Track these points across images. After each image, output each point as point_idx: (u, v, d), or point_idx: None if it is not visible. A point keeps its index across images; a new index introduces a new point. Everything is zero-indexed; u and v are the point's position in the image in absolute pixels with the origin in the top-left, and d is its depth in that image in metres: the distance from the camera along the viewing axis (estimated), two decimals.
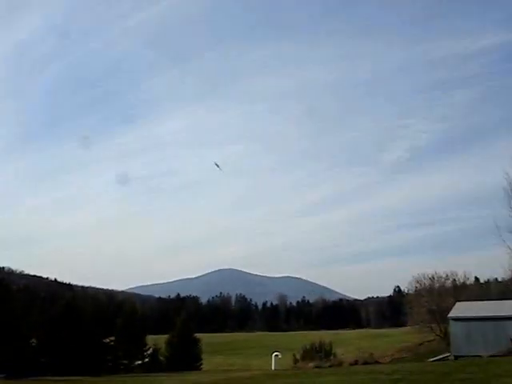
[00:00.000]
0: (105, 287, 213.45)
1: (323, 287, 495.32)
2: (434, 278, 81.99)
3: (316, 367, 42.01)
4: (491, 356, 40.66)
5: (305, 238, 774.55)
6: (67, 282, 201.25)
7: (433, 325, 73.37)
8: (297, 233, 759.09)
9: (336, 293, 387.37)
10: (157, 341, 58.45)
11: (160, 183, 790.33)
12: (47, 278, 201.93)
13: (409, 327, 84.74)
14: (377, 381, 23.27)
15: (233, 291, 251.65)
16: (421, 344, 76.24)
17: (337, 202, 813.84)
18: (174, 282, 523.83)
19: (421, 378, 23.83)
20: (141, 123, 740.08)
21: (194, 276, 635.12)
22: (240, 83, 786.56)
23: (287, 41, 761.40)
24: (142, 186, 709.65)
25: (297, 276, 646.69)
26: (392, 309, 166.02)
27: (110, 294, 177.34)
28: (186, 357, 56.68)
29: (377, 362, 49.45)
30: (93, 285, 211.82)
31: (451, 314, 48.57)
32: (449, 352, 48.75)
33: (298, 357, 57.32)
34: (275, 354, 48.60)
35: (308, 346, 59.08)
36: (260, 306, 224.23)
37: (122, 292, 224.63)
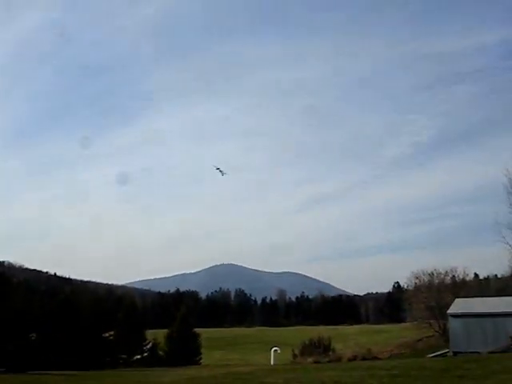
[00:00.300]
0: (104, 282, 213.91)
1: (323, 283, 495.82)
2: (433, 274, 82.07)
3: (315, 362, 42.16)
4: (490, 352, 40.73)
5: (305, 233, 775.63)
6: (67, 277, 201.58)
7: (432, 321, 73.48)
8: (297, 228, 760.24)
9: (335, 288, 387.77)
10: (156, 335, 58.55)
11: (160, 178, 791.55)
12: (47, 273, 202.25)
13: (408, 323, 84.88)
14: (375, 376, 23.31)
15: (232, 286, 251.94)
16: (419, 340, 76.35)
17: (338, 198, 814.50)
18: (174, 276, 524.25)
19: (419, 374, 23.87)
20: (140, 118, 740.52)
21: (193, 271, 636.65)
22: (240, 78, 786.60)
23: (288, 36, 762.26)
24: (142, 181, 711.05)
25: (296, 271, 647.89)
26: (391, 305, 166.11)
27: (109, 289, 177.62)
28: (185, 351, 56.77)
29: (375, 358, 49.58)
30: (92, 279, 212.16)
31: (450, 311, 48.64)
32: (447, 348, 48.85)
33: (296, 352, 57.45)
34: (274, 349, 48.72)
35: (307, 342, 59.23)
36: (259, 302, 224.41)
37: (122, 286, 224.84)
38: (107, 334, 55.72)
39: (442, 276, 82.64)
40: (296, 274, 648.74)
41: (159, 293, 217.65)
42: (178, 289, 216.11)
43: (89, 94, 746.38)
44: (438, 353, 49.79)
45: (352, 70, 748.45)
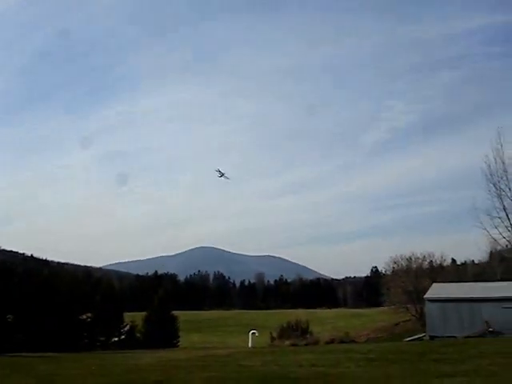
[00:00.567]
0: (82, 264, 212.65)
1: (302, 266, 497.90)
2: (411, 259, 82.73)
3: (292, 345, 42.30)
4: (466, 337, 41.18)
5: (285, 217, 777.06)
6: (44, 258, 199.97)
7: (409, 305, 74.12)
8: (277, 212, 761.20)
9: (314, 272, 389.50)
10: (134, 318, 58.35)
11: (140, 161, 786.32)
12: (23, 254, 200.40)
13: (385, 307, 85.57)
14: (352, 360, 23.40)
15: (211, 269, 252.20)
16: (397, 324, 77.07)
17: (317, 183, 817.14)
18: (152, 259, 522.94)
19: (396, 358, 24.01)
20: (124, 99, 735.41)
21: (172, 254, 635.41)
22: (220, 62, 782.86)
23: (274, 19, 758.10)
24: (121, 164, 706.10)
25: (275, 255, 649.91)
26: (369, 289, 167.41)
27: (87, 271, 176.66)
28: (163, 334, 56.67)
29: (353, 341, 49.93)
30: (70, 261, 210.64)
31: (427, 295, 49.02)
32: (424, 332, 49.28)
33: (274, 335, 57.62)
34: (252, 331, 48.80)
35: (285, 325, 59.42)
36: (238, 285, 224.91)
37: (100, 269, 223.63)
38: (85, 316, 55.36)
39: (420, 261, 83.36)
40: (275, 257, 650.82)
41: (137, 275, 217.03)
42: (156, 271, 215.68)
43: (70, 75, 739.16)
44: (415, 337, 50.24)
45: (331, 56, 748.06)
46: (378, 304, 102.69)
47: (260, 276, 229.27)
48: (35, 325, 48.63)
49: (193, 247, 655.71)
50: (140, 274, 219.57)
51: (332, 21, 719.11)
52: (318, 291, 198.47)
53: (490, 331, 42.71)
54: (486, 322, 43.57)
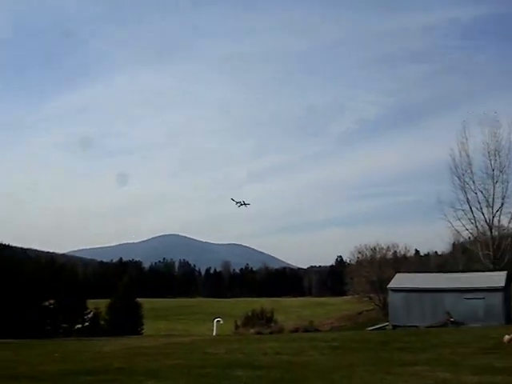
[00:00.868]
0: (45, 249, 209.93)
1: (267, 255, 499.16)
2: (375, 249, 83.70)
3: (257, 334, 42.46)
4: (428, 327, 41.80)
5: (251, 205, 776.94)
6: (5, 243, 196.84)
7: (372, 295, 74.98)
8: (243, 200, 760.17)
9: (280, 261, 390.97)
10: (98, 305, 57.96)
11: (107, 146, 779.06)
12: None
13: (349, 296, 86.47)
14: (316, 348, 23.58)
15: (176, 257, 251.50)
16: (360, 313, 77.95)
17: (284, 171, 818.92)
18: (117, 246, 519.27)
19: (359, 346, 24.27)
20: (86, 83, 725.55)
21: (137, 241, 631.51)
22: (189, 48, 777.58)
23: (240, 6, 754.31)
24: (88, 148, 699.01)
25: (241, 243, 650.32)
26: (334, 278, 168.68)
27: (50, 257, 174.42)
28: (127, 321, 56.43)
29: (317, 330, 50.34)
30: (33, 247, 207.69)
31: (390, 285, 49.56)
32: (387, 322, 49.85)
33: (239, 323, 57.78)
34: (217, 319, 48.84)
35: (250, 313, 59.59)
36: (204, 273, 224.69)
37: (63, 255, 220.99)
38: (47, 303, 54.81)
39: (384, 251, 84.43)
40: (241, 246, 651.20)
41: (102, 262, 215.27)
42: (121, 258, 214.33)
43: (34, 57, 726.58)
44: (378, 326, 50.81)
45: (300, 44, 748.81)
46: (343, 293, 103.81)
47: (226, 264, 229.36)
48: None
49: (158, 235, 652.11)
50: (104, 260, 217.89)
51: (301, 9, 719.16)
52: (284, 280, 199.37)
53: (451, 321, 43.41)
54: (448, 312, 44.27)
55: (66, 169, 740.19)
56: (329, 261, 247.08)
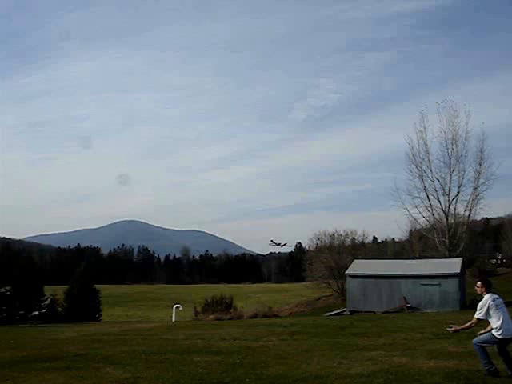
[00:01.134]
0: (1, 235, 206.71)
1: (227, 241, 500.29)
2: (334, 235, 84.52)
3: (216, 319, 42.51)
4: (385, 312, 42.50)
5: (211, 192, 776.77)
6: None
7: (331, 281, 75.71)
8: (203, 186, 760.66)
9: (239, 247, 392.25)
10: (55, 291, 57.24)
11: (64, 129, 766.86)
12: None
13: (308, 283, 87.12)
14: (274, 333, 23.77)
15: (135, 243, 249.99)
16: (318, 299, 78.62)
17: (245, 158, 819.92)
18: (76, 232, 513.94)
19: (317, 331, 24.54)
20: (44, 66, 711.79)
21: (96, 227, 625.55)
22: (153, 32, 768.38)
23: None
24: (45, 131, 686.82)
25: (201, 230, 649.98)
26: (293, 264, 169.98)
27: (6, 243, 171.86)
28: (85, 308, 55.85)
29: (276, 316, 50.61)
30: None
31: (348, 271, 50.10)
32: (345, 307, 50.47)
33: (198, 309, 57.78)
34: (176, 306, 48.76)
35: (209, 299, 59.60)
36: (163, 259, 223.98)
37: (20, 241, 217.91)
38: (3, 290, 53.93)
39: (343, 238, 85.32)
40: (201, 232, 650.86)
41: (59, 248, 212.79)
42: (78, 244, 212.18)
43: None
44: (336, 311, 51.38)
45: (264, 32, 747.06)
46: (301, 279, 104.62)
47: (185, 251, 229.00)
48: None
49: (117, 221, 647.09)
50: (62, 246, 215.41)
51: None
52: (243, 266, 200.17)
53: (407, 307, 44.17)
54: (404, 297, 45.01)
55: (24, 154, 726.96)
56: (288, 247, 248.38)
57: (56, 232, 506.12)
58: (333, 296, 75.56)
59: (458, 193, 60.43)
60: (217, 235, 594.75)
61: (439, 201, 60.81)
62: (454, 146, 60.47)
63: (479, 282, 12.25)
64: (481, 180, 59.84)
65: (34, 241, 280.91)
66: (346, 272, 50.61)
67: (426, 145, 62.17)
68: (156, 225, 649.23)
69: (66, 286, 59.41)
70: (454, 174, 60.43)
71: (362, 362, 14.63)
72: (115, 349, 18.82)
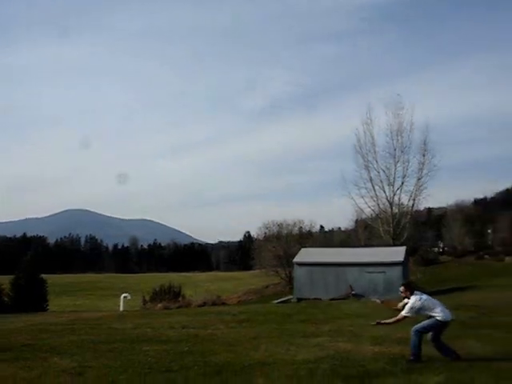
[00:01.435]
0: None
1: (176, 231, 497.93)
2: (282, 224, 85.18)
3: (165, 308, 42.54)
4: (331, 299, 43.22)
5: (160, 180, 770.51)
6: None
7: (279, 269, 76.41)
8: (152, 175, 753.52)
9: (188, 236, 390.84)
10: (1, 281, 56.23)
11: (9, 117, 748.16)
12: None
13: (256, 271, 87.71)
14: (223, 321, 24.02)
15: (83, 232, 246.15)
16: (267, 287, 79.34)
17: (195, 146, 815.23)
18: (21, 221, 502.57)
19: (265, 319, 24.87)
20: None
21: (42, 216, 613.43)
22: (100, 18, 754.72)
23: None
24: None
25: (150, 219, 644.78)
26: (242, 253, 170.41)
27: None
28: (31, 298, 55.06)
29: (224, 304, 50.91)
30: None
31: (296, 259, 50.64)
32: (292, 295, 51.05)
33: (147, 298, 57.59)
34: (124, 295, 48.55)
35: (157, 288, 59.47)
36: (111, 248, 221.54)
37: None
38: None
39: (290, 227, 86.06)
40: (149, 221, 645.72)
41: (4, 237, 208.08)
42: (24, 234, 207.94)
43: None
44: (284, 299, 51.95)
45: (215, 20, 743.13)
46: (250, 268, 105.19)
47: (134, 240, 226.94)
48: None
49: (64, 209, 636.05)
50: (7, 235, 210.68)
51: None
52: (192, 255, 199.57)
53: (353, 294, 45.01)
54: (350, 285, 45.86)
55: None
56: (237, 236, 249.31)
57: (0, 221, 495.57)
58: (281, 284, 76.32)
59: (403, 183, 61.79)
60: (165, 224, 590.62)
61: (384, 191, 62.03)
62: (399, 137, 61.72)
63: (402, 287, 12.81)
64: (424, 171, 61.31)
65: None
66: (294, 260, 51.18)
67: (373, 136, 63.25)
68: (104, 213, 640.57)
69: (12, 276, 58.43)
70: (399, 165, 61.74)
71: (309, 348, 14.99)
72: (63, 338, 18.74)
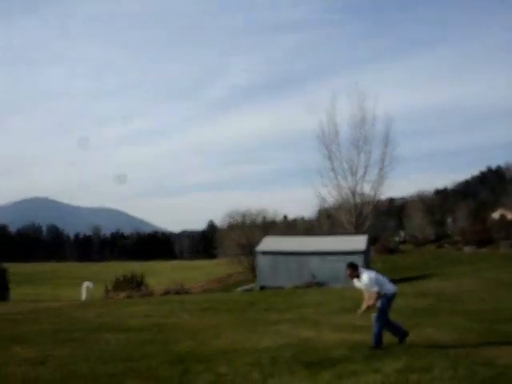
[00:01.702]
0: None
1: (139, 219, 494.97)
2: (245, 214, 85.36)
3: (127, 297, 42.34)
4: (293, 288, 43.53)
5: (123, 169, 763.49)
6: None
7: (242, 257, 76.60)
8: (115, 163, 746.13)
9: (151, 225, 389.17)
10: None
11: None
12: None
13: (219, 260, 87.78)
14: (186, 310, 24.07)
15: (44, 221, 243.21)
16: (230, 276, 79.48)
17: (157, 135, 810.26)
18: None
19: (228, 307, 25.00)
20: None
21: (2, 203, 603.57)
22: (60, 4, 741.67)
23: None
24: None
25: (113, 207, 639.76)
26: (205, 242, 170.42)
27: None
28: None
29: (187, 293, 50.88)
30: None
31: (259, 248, 50.83)
32: (255, 283, 51.27)
33: (109, 287, 57.21)
34: (86, 284, 48.17)
35: (120, 277, 59.13)
36: (73, 237, 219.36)
37: None
38: None
39: (254, 216, 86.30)
40: (112, 210, 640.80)
41: None
42: None
43: None
44: (247, 287, 52.16)
45: (178, 8, 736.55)
46: (214, 256, 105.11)
47: (96, 229, 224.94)
48: None
49: (25, 198, 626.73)
50: None
51: None
52: (155, 244, 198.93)
53: (315, 282, 45.40)
54: (312, 273, 46.23)
55: None
56: (200, 225, 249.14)
57: None
58: (244, 272, 76.52)
59: (365, 173, 62.42)
60: (129, 213, 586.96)
61: (347, 181, 62.61)
62: (362, 128, 62.23)
63: (349, 269, 13.01)
64: (386, 161, 61.98)
65: None
66: (257, 249, 51.34)
67: (336, 126, 63.66)
68: (66, 202, 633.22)
69: None
70: (361, 155, 62.29)
71: (271, 336, 15.14)
72: (24, 328, 18.60)
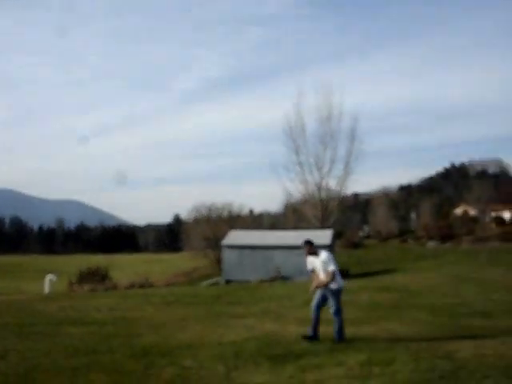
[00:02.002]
0: None
1: (104, 212, 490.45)
2: (211, 207, 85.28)
3: (91, 291, 41.99)
4: (259, 281, 43.68)
5: (88, 161, 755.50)
6: None
7: (208, 251, 76.54)
8: (80, 155, 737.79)
9: (116, 218, 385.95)
10: None
11: None
12: None
13: (185, 253, 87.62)
14: (151, 303, 23.99)
15: (7, 213, 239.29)
16: (195, 269, 79.30)
17: (124, 127, 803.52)
18: None
19: (193, 301, 25.00)
20: None
21: None
22: None
23: None
24: None
25: (77, 199, 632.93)
26: (171, 236, 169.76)
27: None
28: None
29: (152, 286, 50.66)
30: None
31: (224, 242, 50.88)
32: (221, 277, 51.31)
33: (73, 280, 56.65)
34: (49, 277, 47.63)
35: (84, 270, 58.59)
36: (36, 229, 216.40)
37: None
38: None
39: (220, 210, 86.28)
40: (76, 202, 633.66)
41: None
42: None
43: None
44: (212, 281, 52.15)
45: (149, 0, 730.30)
46: (179, 250, 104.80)
47: (60, 221, 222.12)
48: None
49: None
50: None
51: None
52: (120, 237, 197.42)
53: (281, 276, 45.61)
54: (278, 267, 46.43)
55: None
56: (166, 219, 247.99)
57: None
58: (209, 266, 76.45)
59: (331, 168, 62.82)
60: (93, 205, 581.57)
61: (313, 176, 62.95)
62: (329, 123, 62.57)
63: (307, 244, 13.06)
64: (352, 157, 62.45)
65: None
66: (222, 242, 51.37)
67: (303, 121, 63.88)
68: (29, 194, 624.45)
69: None
70: (328, 150, 62.67)
71: (236, 330, 15.20)
72: None
